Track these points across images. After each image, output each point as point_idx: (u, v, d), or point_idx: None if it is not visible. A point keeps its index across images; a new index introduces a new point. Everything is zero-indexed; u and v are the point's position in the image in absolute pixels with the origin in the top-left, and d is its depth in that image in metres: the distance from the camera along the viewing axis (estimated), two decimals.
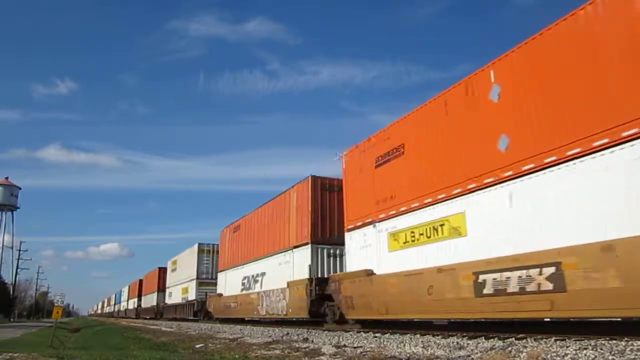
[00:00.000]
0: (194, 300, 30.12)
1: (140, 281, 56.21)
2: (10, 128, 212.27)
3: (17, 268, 69.69)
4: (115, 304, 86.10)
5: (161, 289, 42.96)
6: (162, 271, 43.10)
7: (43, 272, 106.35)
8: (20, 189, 72.40)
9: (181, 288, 34.09)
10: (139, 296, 55.64)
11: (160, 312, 42.17)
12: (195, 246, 31.30)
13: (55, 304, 15.51)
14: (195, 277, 30.49)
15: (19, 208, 71.68)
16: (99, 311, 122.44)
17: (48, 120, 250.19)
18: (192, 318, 30.47)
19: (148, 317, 48.48)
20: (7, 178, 70.60)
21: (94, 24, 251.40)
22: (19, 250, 69.72)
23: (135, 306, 57.51)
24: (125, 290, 71.77)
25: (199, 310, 28.98)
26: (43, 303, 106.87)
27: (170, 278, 39.01)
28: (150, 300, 47.97)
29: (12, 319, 64.86)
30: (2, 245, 67.94)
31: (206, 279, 30.06)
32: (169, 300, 38.58)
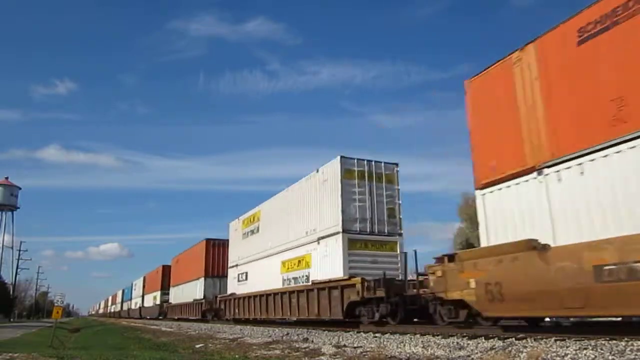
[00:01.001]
0: (341, 279, 13.56)
1: (165, 268, 41.64)
2: (10, 128, 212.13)
3: (17, 268, 69.76)
4: (122, 302, 71.65)
5: (212, 273, 28.72)
6: (213, 245, 29.26)
7: (43, 272, 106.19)
8: (20, 189, 72.42)
9: (280, 262, 17.83)
10: (164, 288, 40.92)
11: (213, 309, 27.29)
12: (337, 162, 14.61)
13: (55, 304, 15.50)
14: (339, 228, 13.97)
15: (19, 208, 71.73)
16: (101, 311, 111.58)
17: (48, 121, 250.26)
18: (344, 319, 13.73)
19: (176, 318, 34.76)
20: (7, 178, 70.61)
21: (94, 24, 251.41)
22: (19, 250, 69.79)
23: (158, 302, 42.83)
24: (139, 283, 56.11)
25: (390, 301, 12.05)
26: (43, 303, 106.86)
27: (238, 250, 23.00)
28: (187, 292, 32.25)
29: (12, 319, 64.87)
30: (2, 245, 67.99)
31: (363, 233, 14.11)
32: (240, 288, 21.93)
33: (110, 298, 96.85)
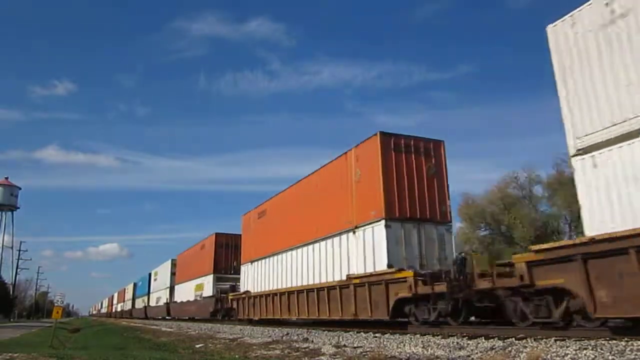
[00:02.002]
0: None
1: (220, 238, 27.24)
2: (9, 129, 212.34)
3: (17, 268, 69.88)
4: (134, 298, 55.46)
5: (400, 212, 12.13)
6: (396, 148, 12.67)
7: (43, 272, 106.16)
8: (20, 189, 72.38)
9: None
10: (221, 270, 26.56)
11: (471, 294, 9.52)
12: None
13: (55, 304, 15.51)
14: None
15: (19, 208, 71.71)
16: (104, 310, 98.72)
17: (47, 121, 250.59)
18: None
19: (277, 318, 17.67)
20: (7, 178, 70.61)
21: (94, 24, 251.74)
22: (19, 250, 69.99)
23: (209, 293, 26.47)
24: (163, 269, 40.32)
25: None
26: (43, 303, 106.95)
27: None
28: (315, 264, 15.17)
29: (12, 319, 64.92)
30: (2, 245, 68.00)
31: None
32: None
33: (115, 295, 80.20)
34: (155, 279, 44.46)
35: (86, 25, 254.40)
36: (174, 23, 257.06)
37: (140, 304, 51.09)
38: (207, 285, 27.43)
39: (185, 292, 32.09)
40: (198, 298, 28.86)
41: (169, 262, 38.47)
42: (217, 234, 27.64)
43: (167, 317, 37.47)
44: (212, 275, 26.81)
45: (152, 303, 44.07)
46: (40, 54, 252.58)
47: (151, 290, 45.56)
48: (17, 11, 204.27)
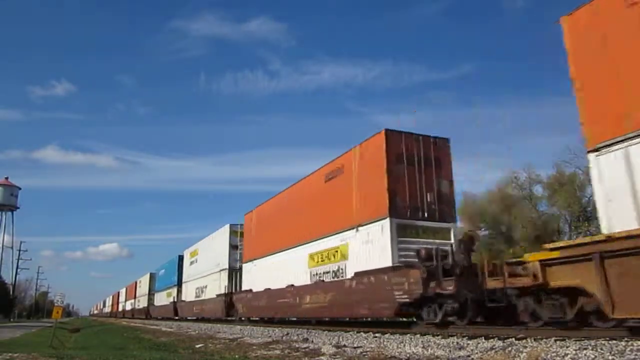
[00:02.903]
0: None
1: (395, 145, 12.02)
2: (9, 129, 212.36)
3: (17, 268, 69.89)
4: (151, 293, 42.84)
5: None
6: None
7: (43, 272, 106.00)
8: (20, 189, 72.35)
9: None
10: (403, 214, 11.57)
11: None
12: None
13: (55, 304, 15.51)
14: None
15: (19, 208, 71.69)
16: (107, 310, 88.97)
17: (47, 121, 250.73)
18: None
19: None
20: (7, 178, 70.59)
21: (94, 24, 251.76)
22: (19, 250, 70.00)
23: (387, 262, 11.10)
24: (212, 244, 26.48)
25: None
26: (43, 303, 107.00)
27: None
28: None
29: (12, 319, 64.93)
30: (2, 245, 68.00)
31: None
32: None
33: (123, 291, 67.59)
34: (192, 262, 30.34)
35: (86, 25, 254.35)
36: (173, 23, 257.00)
37: (162, 299, 37.75)
38: (371, 246, 12.19)
39: (276, 274, 17.46)
40: (323, 280, 14.41)
41: (226, 228, 24.08)
42: (387, 131, 12.42)
43: (229, 319, 22.39)
44: (387, 221, 11.67)
45: (188, 297, 30.26)
46: (41, 55, 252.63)
47: (184, 280, 31.97)
48: (16, 12, 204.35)
